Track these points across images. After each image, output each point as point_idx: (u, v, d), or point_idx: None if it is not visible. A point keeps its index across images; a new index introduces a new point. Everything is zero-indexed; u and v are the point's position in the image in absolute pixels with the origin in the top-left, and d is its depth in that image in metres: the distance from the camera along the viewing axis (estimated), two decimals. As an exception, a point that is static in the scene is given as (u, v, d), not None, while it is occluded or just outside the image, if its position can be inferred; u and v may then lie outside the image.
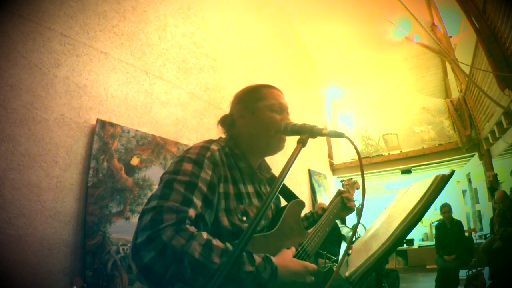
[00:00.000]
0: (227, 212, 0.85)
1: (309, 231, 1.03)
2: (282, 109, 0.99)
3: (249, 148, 0.99)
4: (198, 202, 0.76)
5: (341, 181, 1.49)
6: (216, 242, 0.70)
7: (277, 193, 0.64)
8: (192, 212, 0.73)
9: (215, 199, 0.82)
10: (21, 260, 1.66)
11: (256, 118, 0.97)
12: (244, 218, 0.87)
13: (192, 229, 0.69)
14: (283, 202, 1.11)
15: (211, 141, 0.93)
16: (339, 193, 1.28)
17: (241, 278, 0.68)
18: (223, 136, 1.04)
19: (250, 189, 0.96)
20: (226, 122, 1.03)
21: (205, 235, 0.70)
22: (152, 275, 0.63)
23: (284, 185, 1.04)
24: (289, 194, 1.12)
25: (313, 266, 0.84)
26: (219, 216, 0.83)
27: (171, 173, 0.80)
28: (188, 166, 0.80)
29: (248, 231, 0.56)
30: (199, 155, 0.84)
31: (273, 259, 0.76)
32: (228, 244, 0.72)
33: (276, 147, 0.99)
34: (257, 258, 0.72)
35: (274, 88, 1.03)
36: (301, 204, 1.05)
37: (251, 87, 1.04)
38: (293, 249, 0.88)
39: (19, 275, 1.64)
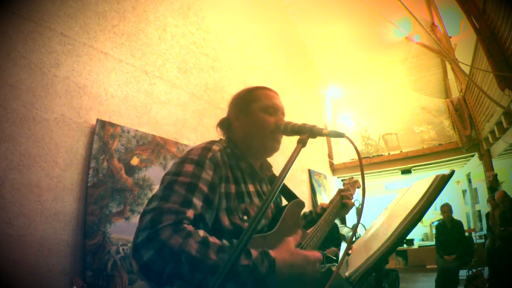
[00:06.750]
0: (228, 212, 0.85)
1: (308, 231, 1.03)
2: (276, 111, 0.99)
3: (246, 149, 1.00)
4: (198, 203, 0.77)
5: (342, 180, 1.50)
6: (212, 239, 0.71)
7: (277, 193, 0.65)
8: (191, 213, 0.74)
9: (216, 199, 0.83)
10: (21, 260, 1.65)
11: (250, 120, 0.98)
12: (245, 217, 0.88)
13: (190, 227, 0.70)
14: (284, 202, 1.11)
15: (213, 142, 0.93)
16: (339, 191, 1.30)
17: (237, 272, 0.68)
18: (223, 137, 1.05)
19: (252, 188, 0.97)
20: (224, 125, 1.05)
21: (201, 233, 0.71)
22: (152, 273, 0.65)
23: (284, 184, 1.05)
24: (289, 194, 1.12)
25: (314, 254, 0.82)
26: (220, 216, 0.84)
27: (172, 174, 0.81)
28: (189, 167, 0.81)
29: (249, 230, 0.57)
30: (200, 156, 0.85)
31: (271, 252, 0.76)
32: (224, 241, 0.73)
33: (271, 149, 1.00)
34: (254, 252, 0.73)
35: (268, 89, 1.04)
36: (301, 205, 1.04)
37: (246, 90, 1.05)
38: (297, 236, 0.85)
39: (19, 275, 1.63)
